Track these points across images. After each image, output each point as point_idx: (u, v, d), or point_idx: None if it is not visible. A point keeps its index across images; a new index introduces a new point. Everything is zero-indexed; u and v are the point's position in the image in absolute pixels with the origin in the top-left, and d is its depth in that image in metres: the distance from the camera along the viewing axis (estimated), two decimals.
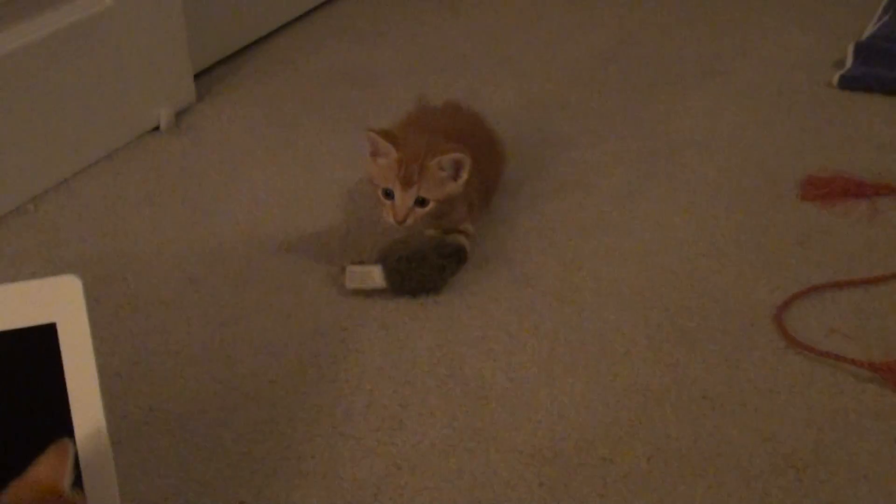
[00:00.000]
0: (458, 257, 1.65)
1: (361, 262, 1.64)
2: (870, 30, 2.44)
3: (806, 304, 1.59)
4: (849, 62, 2.28)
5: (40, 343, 1.10)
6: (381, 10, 2.74)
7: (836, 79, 2.24)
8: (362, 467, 1.32)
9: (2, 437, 1.05)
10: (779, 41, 2.47)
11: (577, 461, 1.32)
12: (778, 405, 1.40)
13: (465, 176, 1.64)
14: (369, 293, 1.63)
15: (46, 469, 0.96)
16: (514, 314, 1.59)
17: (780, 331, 1.53)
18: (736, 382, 1.44)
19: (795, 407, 1.40)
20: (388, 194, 1.64)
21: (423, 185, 1.62)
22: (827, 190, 1.85)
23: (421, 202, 1.63)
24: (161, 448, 1.36)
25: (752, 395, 1.42)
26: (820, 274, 1.65)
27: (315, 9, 2.73)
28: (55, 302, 1.10)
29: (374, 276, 1.62)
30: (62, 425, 1.11)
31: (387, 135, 1.64)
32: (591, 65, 2.40)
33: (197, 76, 2.29)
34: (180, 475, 1.32)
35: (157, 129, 2.14)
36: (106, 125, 2.04)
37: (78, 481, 1.05)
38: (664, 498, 1.27)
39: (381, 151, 1.64)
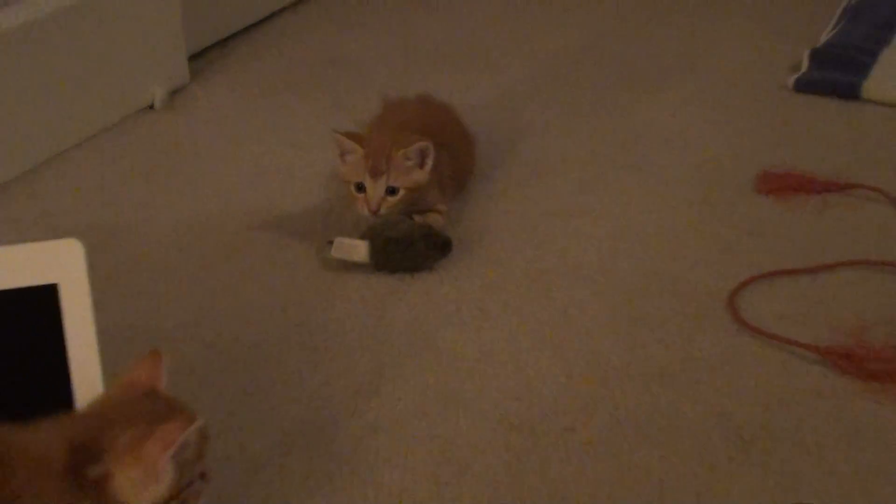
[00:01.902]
0: (444, 247, 1.65)
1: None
2: (825, 37, 2.45)
3: (757, 289, 1.61)
4: (804, 66, 2.29)
5: (42, 302, 1.10)
6: (363, 2, 2.74)
7: (791, 82, 2.25)
8: (340, 429, 1.33)
9: (4, 390, 1.05)
10: (740, 45, 2.48)
11: (542, 429, 1.33)
12: (729, 383, 1.41)
13: (429, 163, 1.66)
14: (349, 267, 1.64)
15: (143, 372, 1.03)
16: (485, 291, 1.60)
17: (732, 314, 1.55)
18: (690, 361, 1.46)
19: (745, 385, 1.41)
20: (360, 188, 1.65)
21: (391, 175, 1.64)
22: (780, 185, 1.86)
23: (391, 191, 1.65)
24: None
25: (705, 373, 1.43)
26: (771, 262, 1.66)
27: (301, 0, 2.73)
28: (57, 264, 1.11)
29: (360, 250, 1.62)
30: (62, 380, 1.11)
31: (351, 135, 1.67)
32: (563, 60, 2.40)
33: (191, 58, 2.29)
34: None
35: (151, 107, 2.14)
36: (103, 102, 2.04)
37: None
38: (622, 465, 1.28)
39: (347, 150, 1.66)
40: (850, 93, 2.21)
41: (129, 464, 0.95)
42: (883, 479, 1.26)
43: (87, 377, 1.11)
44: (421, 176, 1.66)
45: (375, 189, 1.64)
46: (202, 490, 1.01)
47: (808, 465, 1.28)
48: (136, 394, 1.02)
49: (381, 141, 1.66)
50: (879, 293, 1.60)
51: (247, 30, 2.53)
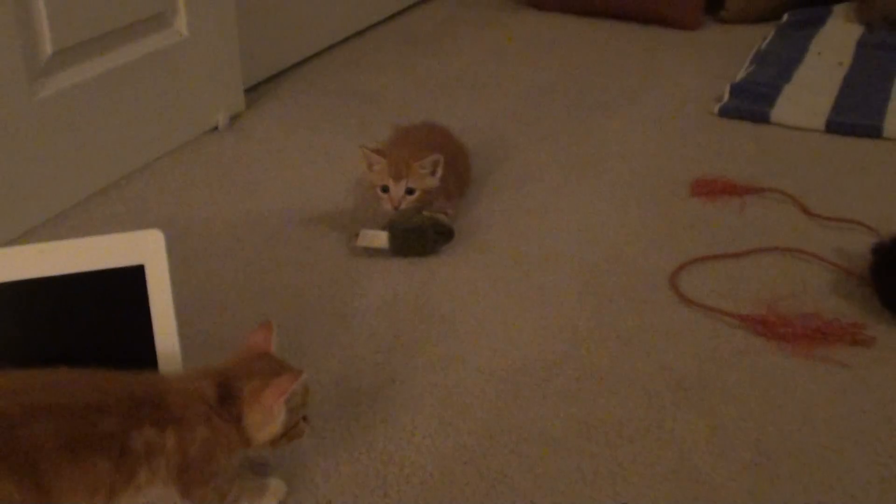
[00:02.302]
0: (449, 234, 1.63)
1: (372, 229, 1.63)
2: (741, 74, 2.43)
3: (693, 271, 1.59)
4: (726, 97, 2.27)
5: (132, 280, 1.09)
6: (382, 50, 2.71)
7: (716, 109, 2.23)
8: (364, 380, 1.31)
9: (98, 351, 1.03)
10: (675, 81, 2.46)
11: (523, 380, 1.31)
12: (672, 343, 1.39)
13: (440, 172, 1.64)
14: (372, 253, 1.61)
15: (258, 338, 1.09)
16: (478, 272, 1.58)
17: (674, 290, 1.53)
18: (641, 326, 1.44)
19: (684, 345, 1.39)
20: (385, 189, 1.64)
21: (409, 179, 1.62)
22: (710, 189, 1.84)
23: (409, 191, 1.63)
24: (213, 361, 1.35)
25: (653, 336, 1.41)
26: (704, 249, 1.64)
27: (334, 44, 2.71)
28: (144, 249, 1.10)
29: (382, 239, 1.60)
30: (146, 343, 1.10)
31: (376, 150, 1.66)
32: (539, 92, 2.38)
33: (247, 90, 2.26)
34: None
35: (216, 128, 2.11)
36: (179, 124, 2.01)
37: None
38: (588, 407, 1.26)
39: (373, 161, 1.65)
40: (761, 118, 2.18)
41: (252, 408, 1.02)
42: (789, 416, 1.25)
43: (167, 340, 1.11)
44: (432, 182, 1.64)
45: (397, 189, 1.62)
46: (304, 429, 1.08)
47: (731, 406, 1.27)
48: (254, 355, 1.08)
49: (402, 153, 1.64)
50: (788, 273, 1.57)
51: (290, 68, 2.51)
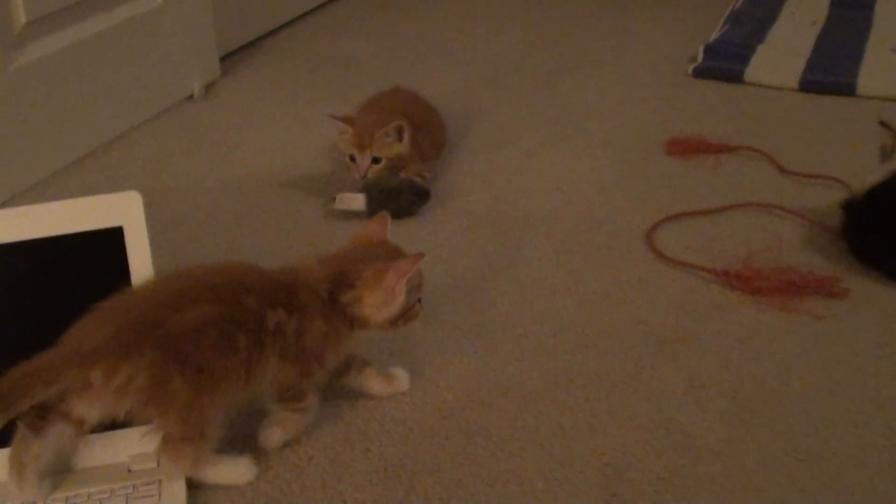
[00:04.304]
0: (425, 196, 1.64)
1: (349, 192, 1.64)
2: (715, 35, 2.44)
3: (669, 227, 1.60)
4: (700, 58, 2.28)
5: (111, 242, 1.10)
6: (355, 14, 2.71)
7: (690, 69, 2.24)
8: None
9: (79, 313, 1.03)
10: (650, 42, 2.47)
11: (501, 336, 1.33)
12: (648, 299, 1.41)
13: (406, 137, 1.66)
14: (349, 216, 1.62)
15: (375, 228, 1.18)
16: (456, 234, 1.59)
17: (649, 246, 1.54)
18: (618, 283, 1.45)
19: (660, 300, 1.41)
20: (353, 159, 1.65)
21: (374, 148, 1.64)
22: (684, 147, 1.85)
23: (376, 160, 1.65)
24: None
25: (629, 292, 1.43)
26: (679, 206, 1.65)
27: (309, 11, 2.70)
28: (122, 210, 1.10)
29: (359, 201, 1.60)
30: None
31: (343, 118, 1.68)
32: (513, 55, 2.39)
33: (222, 58, 2.26)
34: None
35: (191, 97, 2.11)
36: (155, 92, 2.01)
37: None
38: (567, 362, 1.28)
39: (341, 130, 1.67)
40: (735, 77, 2.19)
41: (374, 288, 1.10)
42: (764, 367, 1.27)
43: None
44: (400, 147, 1.66)
45: (363, 159, 1.64)
46: (419, 312, 1.16)
47: (707, 358, 1.29)
48: (372, 242, 1.17)
49: (366, 122, 1.66)
50: (762, 228, 1.59)
51: (264, 36, 2.50)
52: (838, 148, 1.86)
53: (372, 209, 1.60)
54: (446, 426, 1.17)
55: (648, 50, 2.41)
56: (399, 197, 1.61)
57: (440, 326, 1.35)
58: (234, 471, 1.07)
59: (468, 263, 1.50)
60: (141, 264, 1.10)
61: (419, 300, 1.15)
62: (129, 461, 1.08)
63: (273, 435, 1.10)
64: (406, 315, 1.13)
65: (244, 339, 1.02)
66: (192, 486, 1.06)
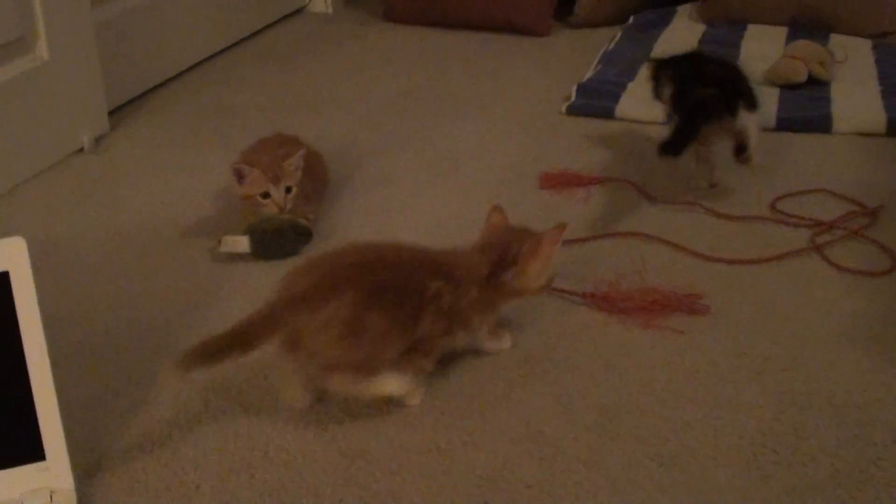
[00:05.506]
0: (307, 235, 1.70)
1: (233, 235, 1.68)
2: (588, 75, 2.53)
3: None
4: (573, 97, 2.37)
5: None
6: (239, 66, 2.76)
7: (564, 108, 2.33)
8: (229, 374, 1.36)
9: None
10: (526, 84, 2.56)
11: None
12: (520, 323, 1.48)
13: (301, 164, 1.73)
14: (234, 259, 1.67)
15: (497, 218, 1.43)
16: None
17: None
18: None
19: (532, 324, 1.48)
20: (265, 195, 1.69)
21: (285, 179, 1.69)
22: (557, 181, 1.94)
23: (288, 190, 1.70)
24: (86, 365, 1.39)
25: (502, 317, 1.49)
26: None
27: (195, 64, 2.74)
28: (7, 256, 1.12)
29: (243, 243, 1.65)
30: (15, 349, 1.12)
31: (245, 162, 1.70)
32: (394, 100, 2.46)
33: (110, 112, 2.29)
34: (98, 386, 1.35)
35: (81, 150, 2.14)
36: (44, 147, 2.04)
37: None
38: (443, 385, 1.34)
39: (245, 174, 1.69)
40: (606, 114, 2.29)
41: (535, 259, 1.34)
42: (629, 380, 1.35)
43: (35, 345, 1.13)
44: (298, 175, 1.73)
45: (279, 191, 1.69)
46: (553, 279, 1.41)
47: (575, 375, 1.36)
48: (505, 227, 1.41)
49: (268, 158, 1.70)
50: (627, 255, 1.68)
51: (154, 88, 2.54)
52: None
53: (257, 250, 1.65)
54: (328, 450, 1.22)
55: (526, 91, 2.50)
56: (282, 237, 1.66)
57: None
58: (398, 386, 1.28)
59: None
60: (27, 308, 1.12)
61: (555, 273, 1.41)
62: (21, 497, 1.11)
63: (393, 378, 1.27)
64: (549, 281, 1.38)
65: (411, 300, 1.25)
66: None
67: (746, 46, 2.74)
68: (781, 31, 2.84)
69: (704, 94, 1.78)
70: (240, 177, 1.69)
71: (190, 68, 2.72)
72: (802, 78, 2.38)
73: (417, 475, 1.17)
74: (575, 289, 1.55)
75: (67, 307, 1.55)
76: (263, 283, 1.60)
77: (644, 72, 2.04)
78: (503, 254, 1.33)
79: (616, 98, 2.34)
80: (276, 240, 1.65)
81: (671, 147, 1.73)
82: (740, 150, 1.81)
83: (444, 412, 1.28)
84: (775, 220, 1.78)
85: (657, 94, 1.96)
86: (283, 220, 1.67)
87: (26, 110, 1.97)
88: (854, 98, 2.32)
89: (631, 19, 3.02)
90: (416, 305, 1.25)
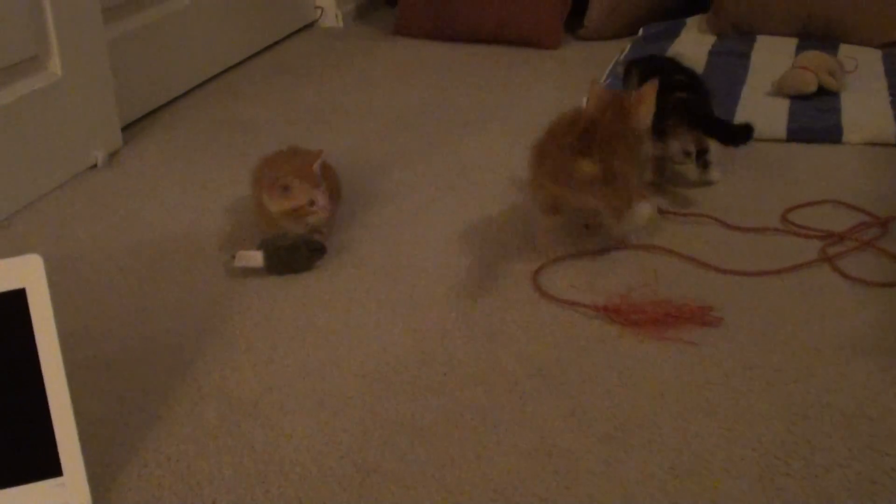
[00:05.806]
0: (321, 250, 1.70)
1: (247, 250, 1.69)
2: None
3: (554, 269, 1.68)
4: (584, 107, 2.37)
5: (14, 303, 1.13)
6: (256, 81, 2.78)
7: None
8: (244, 389, 1.37)
9: None
10: (536, 96, 2.57)
11: (395, 378, 1.39)
12: (533, 335, 1.48)
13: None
14: (248, 273, 1.67)
15: (599, 90, 1.72)
16: (352, 284, 1.65)
17: (534, 287, 1.62)
18: (505, 322, 1.52)
19: (545, 337, 1.48)
20: (312, 203, 1.69)
21: (321, 184, 1.71)
22: None
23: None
24: (100, 382, 1.40)
25: (516, 330, 1.50)
26: (563, 248, 1.74)
27: (207, 80, 2.76)
28: (24, 273, 1.14)
29: (257, 258, 1.66)
30: (31, 363, 1.14)
31: (284, 177, 1.69)
32: (406, 114, 2.47)
33: (123, 128, 2.30)
34: (114, 401, 1.36)
35: (95, 166, 2.16)
36: (58, 163, 2.06)
37: None
38: (455, 400, 1.34)
39: (288, 185, 1.68)
40: None
41: (641, 105, 1.68)
42: (642, 392, 1.35)
43: (51, 358, 1.14)
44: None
45: (324, 196, 1.70)
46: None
47: (588, 388, 1.36)
48: (607, 95, 1.71)
49: (300, 167, 1.71)
50: (639, 267, 1.68)
51: (167, 104, 2.56)
52: (715, 187, 1.96)
53: (270, 265, 1.66)
54: (342, 465, 1.22)
55: (537, 103, 2.51)
56: (296, 252, 1.66)
57: (337, 372, 1.40)
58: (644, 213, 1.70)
59: (362, 312, 1.56)
60: (44, 324, 1.13)
61: None
62: None
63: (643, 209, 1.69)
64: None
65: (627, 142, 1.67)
66: None
67: (756, 57, 2.75)
68: (791, 42, 2.86)
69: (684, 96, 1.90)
70: (285, 190, 1.69)
71: (202, 83, 2.74)
72: (812, 88, 2.39)
73: (432, 489, 1.18)
74: (588, 301, 1.56)
75: (83, 322, 1.56)
76: (277, 296, 1.61)
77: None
78: (621, 103, 1.68)
79: None
80: (289, 255, 1.66)
81: (743, 134, 1.88)
82: (701, 154, 1.94)
83: (458, 425, 1.29)
84: (786, 232, 1.78)
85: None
86: (297, 236, 1.68)
87: (40, 127, 1.99)
88: (864, 108, 2.33)
89: (640, 31, 3.03)
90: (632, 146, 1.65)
